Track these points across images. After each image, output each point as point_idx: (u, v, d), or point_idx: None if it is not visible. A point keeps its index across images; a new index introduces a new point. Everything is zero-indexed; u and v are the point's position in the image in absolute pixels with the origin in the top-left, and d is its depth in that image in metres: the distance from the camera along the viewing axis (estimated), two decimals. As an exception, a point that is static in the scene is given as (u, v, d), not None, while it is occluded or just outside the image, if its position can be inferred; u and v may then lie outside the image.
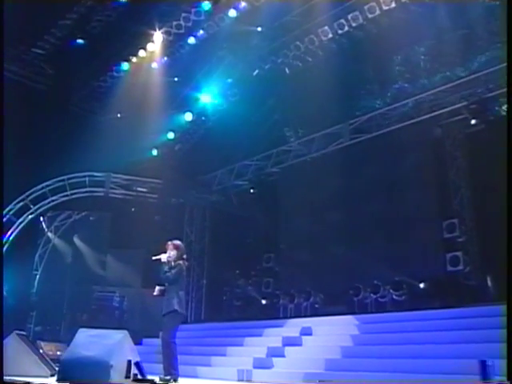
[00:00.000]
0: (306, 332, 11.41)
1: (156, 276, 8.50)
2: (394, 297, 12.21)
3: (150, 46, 15.59)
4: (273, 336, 11.95)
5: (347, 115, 14.56)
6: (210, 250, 17.24)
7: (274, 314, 14.33)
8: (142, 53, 15.81)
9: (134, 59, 16.05)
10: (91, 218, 17.44)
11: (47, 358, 9.13)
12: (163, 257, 8.05)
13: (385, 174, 13.10)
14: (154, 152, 17.55)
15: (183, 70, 16.15)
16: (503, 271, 5.64)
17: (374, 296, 12.35)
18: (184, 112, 17.05)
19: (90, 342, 7.35)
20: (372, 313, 12.02)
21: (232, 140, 16.72)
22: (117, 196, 16.49)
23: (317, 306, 13.66)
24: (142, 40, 15.54)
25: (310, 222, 14.60)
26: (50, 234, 18.20)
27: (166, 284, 8.05)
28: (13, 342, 8.42)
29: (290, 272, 14.64)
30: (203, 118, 17.16)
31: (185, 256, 8.23)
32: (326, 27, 14.00)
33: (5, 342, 7.93)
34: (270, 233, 15.44)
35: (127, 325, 14.50)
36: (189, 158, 16.91)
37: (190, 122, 17.14)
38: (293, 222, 15.01)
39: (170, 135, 17.40)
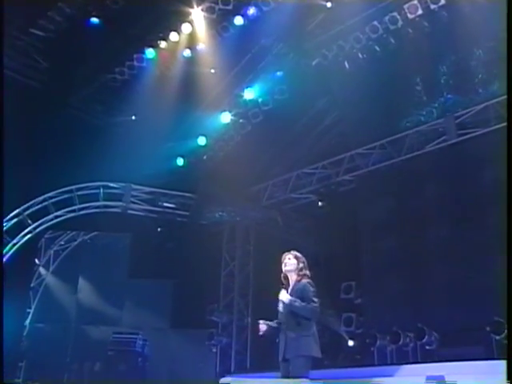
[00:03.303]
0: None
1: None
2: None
3: (184, 28, 12.66)
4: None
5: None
6: (256, 281, 13.96)
7: (365, 359, 11.04)
8: (173, 36, 12.85)
9: (163, 44, 13.07)
10: (105, 240, 14.02)
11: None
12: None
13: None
14: (180, 161, 14.42)
15: (223, 59, 13.15)
16: None
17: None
18: (220, 112, 14.01)
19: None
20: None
21: (281, 145, 13.88)
22: (138, 213, 13.23)
23: (428, 347, 10.46)
24: (176, 20, 12.65)
25: (403, 239, 11.44)
26: (42, 269, 14.76)
27: (283, 314, 5.74)
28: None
29: (381, 304, 11.35)
30: (241, 121, 14.07)
31: (308, 272, 5.87)
32: (416, 1, 11.31)
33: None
34: (346, 256, 12.18)
35: (151, 375, 11.25)
36: (226, 167, 13.76)
37: (227, 124, 14.07)
38: (379, 240, 11.77)
39: (201, 141, 14.27)
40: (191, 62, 13.28)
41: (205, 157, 14.58)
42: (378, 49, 12.69)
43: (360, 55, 12.86)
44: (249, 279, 14.18)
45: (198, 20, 12.45)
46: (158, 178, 14.25)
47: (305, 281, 5.77)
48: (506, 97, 10.60)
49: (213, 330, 13.35)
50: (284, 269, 5.89)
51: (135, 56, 13.26)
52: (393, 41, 12.52)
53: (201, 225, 13.52)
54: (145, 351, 12.90)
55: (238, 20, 12.36)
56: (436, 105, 13.11)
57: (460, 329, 9.90)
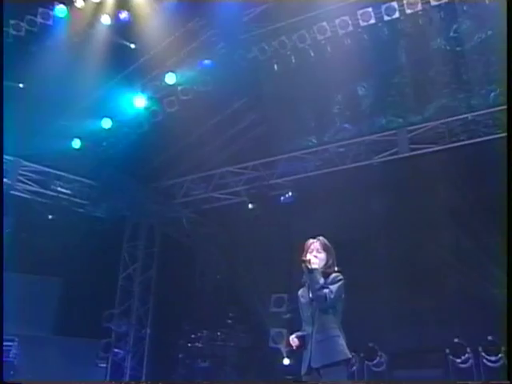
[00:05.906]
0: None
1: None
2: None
3: (110, -11, 11.00)
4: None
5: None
6: (158, 288, 12.30)
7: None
8: (94, -4, 11.07)
9: (80, 3, 11.18)
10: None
11: None
12: (315, 260, 4.63)
13: (460, 196, 9.62)
14: (76, 143, 12.41)
15: (148, 34, 11.59)
16: None
17: (492, 358, 8.53)
18: (132, 94, 12.31)
19: None
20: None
21: (193, 141, 12.63)
22: (24, 195, 10.96)
23: (376, 369, 9.58)
24: (102, -24, 10.94)
25: (345, 254, 10.48)
26: None
27: (307, 313, 4.57)
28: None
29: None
30: (154, 108, 12.51)
31: (336, 268, 4.87)
32: (370, 8, 10.90)
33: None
34: (277, 265, 10.94)
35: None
36: (130, 156, 12.08)
37: (138, 109, 12.40)
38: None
39: (106, 123, 12.40)
40: (109, 30, 11.55)
41: (105, 143, 12.77)
42: (312, 54, 12.18)
43: (293, 59, 12.22)
44: (150, 284, 12.47)
45: (128, -19, 10.89)
46: (46, 159, 12.13)
47: (338, 274, 4.78)
48: (462, 116, 10.66)
49: (109, 340, 11.45)
50: (309, 266, 4.58)
51: (40, 10, 11.17)
52: (329, 49, 12.08)
53: (99, 218, 11.65)
54: (15, 362, 10.48)
55: (176, -10, 11.01)
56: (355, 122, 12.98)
57: (415, 350, 9.33)
